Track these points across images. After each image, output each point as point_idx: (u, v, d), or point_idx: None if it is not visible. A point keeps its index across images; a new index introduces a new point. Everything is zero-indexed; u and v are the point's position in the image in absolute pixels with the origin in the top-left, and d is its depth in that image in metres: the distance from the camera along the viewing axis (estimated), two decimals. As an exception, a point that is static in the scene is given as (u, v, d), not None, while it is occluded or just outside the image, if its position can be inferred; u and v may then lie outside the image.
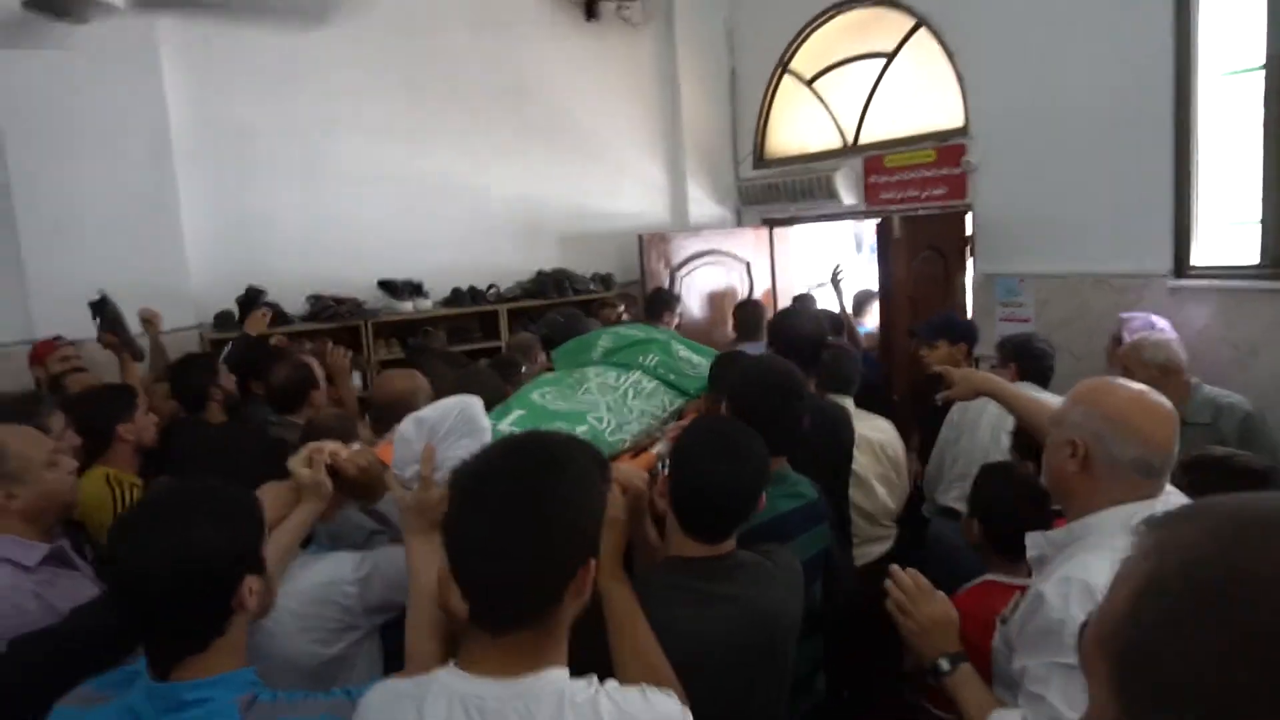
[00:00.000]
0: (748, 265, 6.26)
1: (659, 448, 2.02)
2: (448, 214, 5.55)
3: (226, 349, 3.98)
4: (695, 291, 6.02)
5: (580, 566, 1.11)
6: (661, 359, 2.46)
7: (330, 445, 1.67)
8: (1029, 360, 3.45)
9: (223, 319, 4.70)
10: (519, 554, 1.08)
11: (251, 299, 4.75)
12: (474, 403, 1.61)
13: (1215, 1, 3.77)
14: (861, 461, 2.92)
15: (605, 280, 5.89)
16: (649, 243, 5.87)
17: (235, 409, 3.35)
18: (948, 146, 4.93)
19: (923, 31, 5.04)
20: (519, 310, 5.59)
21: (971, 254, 4.97)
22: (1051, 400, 2.21)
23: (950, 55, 4.88)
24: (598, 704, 1.10)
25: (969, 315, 4.99)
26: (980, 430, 3.30)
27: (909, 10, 5.05)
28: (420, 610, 1.41)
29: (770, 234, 6.32)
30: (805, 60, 5.91)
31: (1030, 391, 2.66)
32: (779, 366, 2.14)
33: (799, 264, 6.62)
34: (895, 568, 1.68)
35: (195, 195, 4.71)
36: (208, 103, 4.77)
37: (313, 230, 5.14)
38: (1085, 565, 1.38)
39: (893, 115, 5.36)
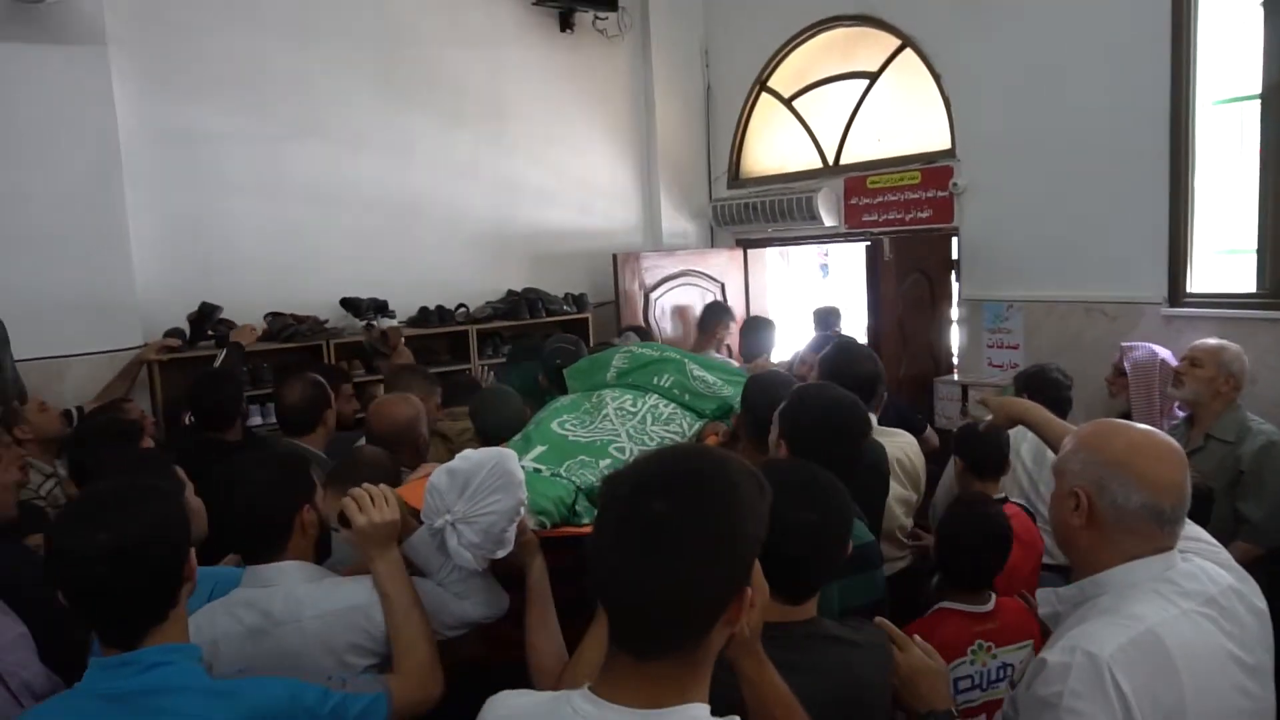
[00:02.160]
0: (722, 287, 6.11)
1: None
2: (414, 230, 5.28)
3: (218, 359, 3.78)
4: (668, 313, 5.85)
5: (735, 594, 1.02)
6: (676, 379, 2.45)
7: (367, 492, 1.64)
8: (1042, 390, 3.33)
9: (172, 336, 4.34)
10: (673, 578, 0.98)
11: (205, 316, 4.41)
12: (509, 457, 1.61)
13: (1213, 28, 3.75)
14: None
15: (578, 300, 5.67)
16: (623, 262, 5.69)
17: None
18: (935, 168, 4.86)
19: (908, 52, 4.97)
20: (489, 331, 5.34)
21: (957, 278, 4.90)
22: None
23: (936, 77, 4.81)
24: None
25: (955, 341, 4.92)
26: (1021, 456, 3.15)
27: (894, 30, 4.98)
28: (410, 620, 1.54)
29: (745, 255, 6.20)
30: (784, 78, 5.81)
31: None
32: (847, 405, 2.00)
33: (774, 286, 6.52)
34: (878, 620, 1.55)
35: (144, 204, 4.35)
36: (160, 104, 4.44)
37: (271, 244, 4.81)
38: (1092, 634, 1.29)
39: (876, 136, 5.28)
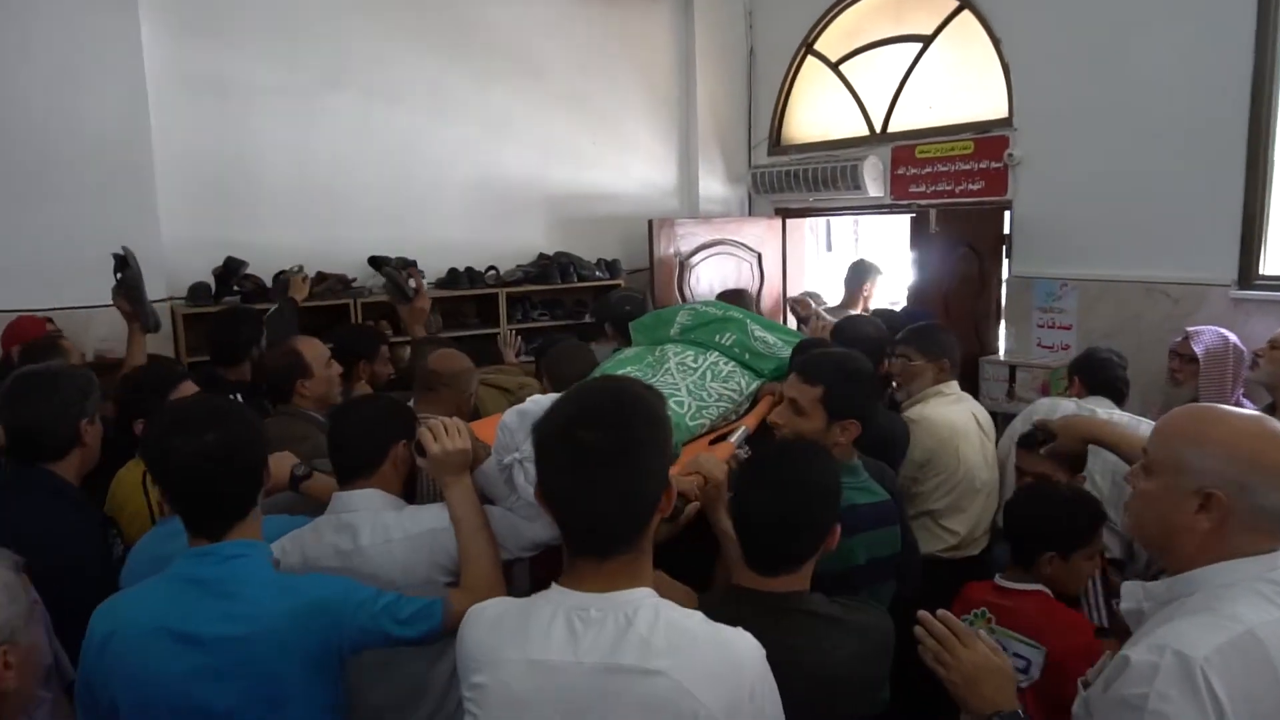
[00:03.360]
0: (759, 257, 5.93)
1: (736, 437, 2.10)
2: (445, 189, 5.14)
3: (269, 312, 3.73)
4: (704, 283, 5.67)
5: (662, 493, 1.25)
6: (738, 338, 2.53)
7: (441, 423, 1.75)
8: (1092, 371, 3.16)
9: (198, 292, 4.26)
10: (611, 493, 1.20)
11: (231, 271, 4.33)
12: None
13: (1304, -8, 3.50)
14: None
15: (611, 266, 5.51)
16: (658, 228, 5.52)
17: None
18: (989, 138, 4.62)
19: (965, 14, 4.72)
20: (519, 295, 5.21)
21: (1007, 254, 4.68)
22: None
23: (996, 41, 4.56)
24: (681, 616, 1.22)
25: (1003, 320, 4.71)
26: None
27: (951, -10, 4.73)
28: (477, 540, 1.65)
29: (784, 225, 6.00)
30: (831, 41, 5.57)
31: (1139, 426, 2.36)
32: (866, 363, 2.13)
33: (812, 257, 6.32)
34: (924, 614, 1.43)
35: (171, 153, 4.25)
36: (190, 49, 4.31)
37: (299, 200, 4.70)
38: (1183, 634, 1.18)
39: (927, 103, 5.04)
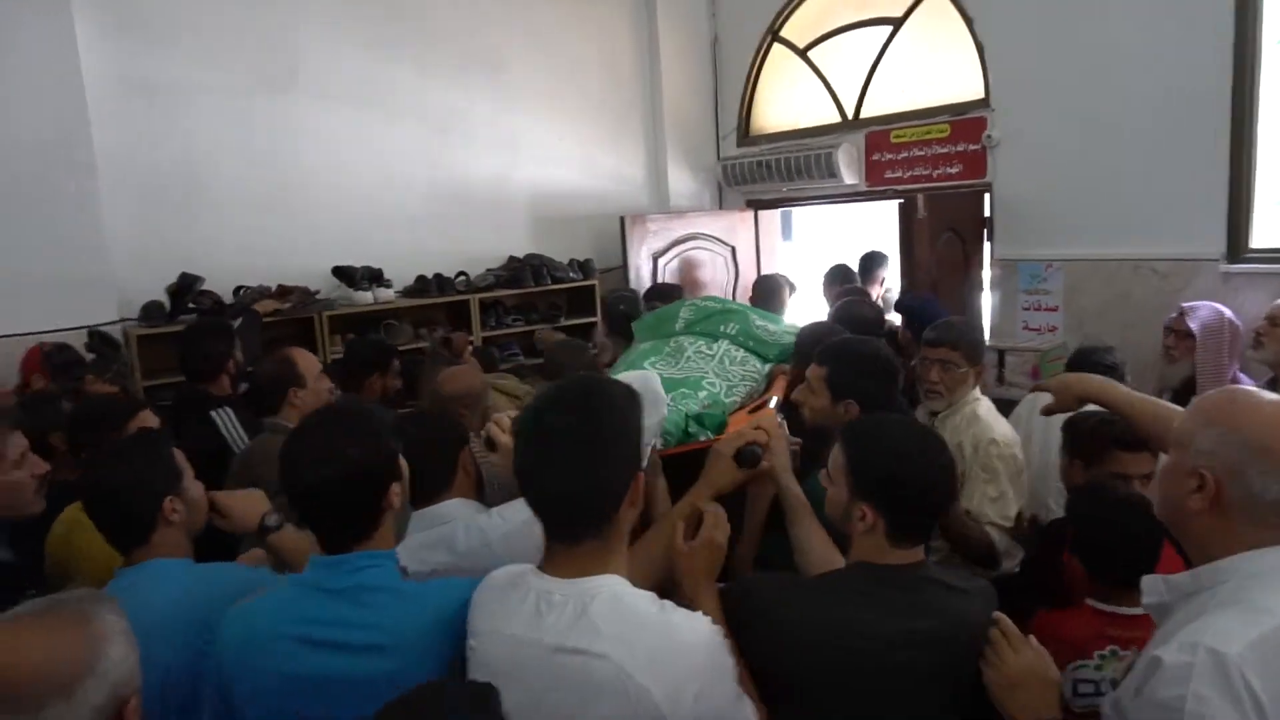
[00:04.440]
0: (733, 250, 5.82)
1: (773, 404, 2.17)
2: (409, 193, 4.94)
3: (236, 324, 3.62)
4: (677, 279, 5.53)
5: (629, 483, 1.30)
6: (742, 327, 2.66)
7: (506, 416, 1.83)
8: (1080, 365, 3.03)
9: (152, 311, 4.00)
10: (575, 479, 1.26)
11: (186, 287, 4.07)
12: (653, 377, 1.78)
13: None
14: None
15: (584, 266, 5.35)
16: (630, 225, 5.37)
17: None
18: (965, 120, 4.56)
19: (936, -5, 4.65)
20: (491, 301, 5.02)
21: (989, 237, 4.61)
22: (1175, 409, 1.79)
23: (968, 20, 4.50)
24: (636, 603, 1.26)
25: (987, 304, 4.65)
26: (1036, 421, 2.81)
27: (921, -29, 4.66)
28: None
29: (756, 217, 5.89)
30: (798, 27, 5.47)
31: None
32: (874, 347, 2.19)
33: (784, 249, 6.22)
34: (997, 615, 1.44)
35: (116, 165, 3.98)
36: (131, 52, 4.05)
37: (255, 210, 4.45)
38: (1214, 628, 1.13)
39: (900, 87, 4.96)
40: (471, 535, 1.70)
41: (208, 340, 3.13)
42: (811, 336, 2.52)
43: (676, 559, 1.47)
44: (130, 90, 4.05)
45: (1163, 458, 1.39)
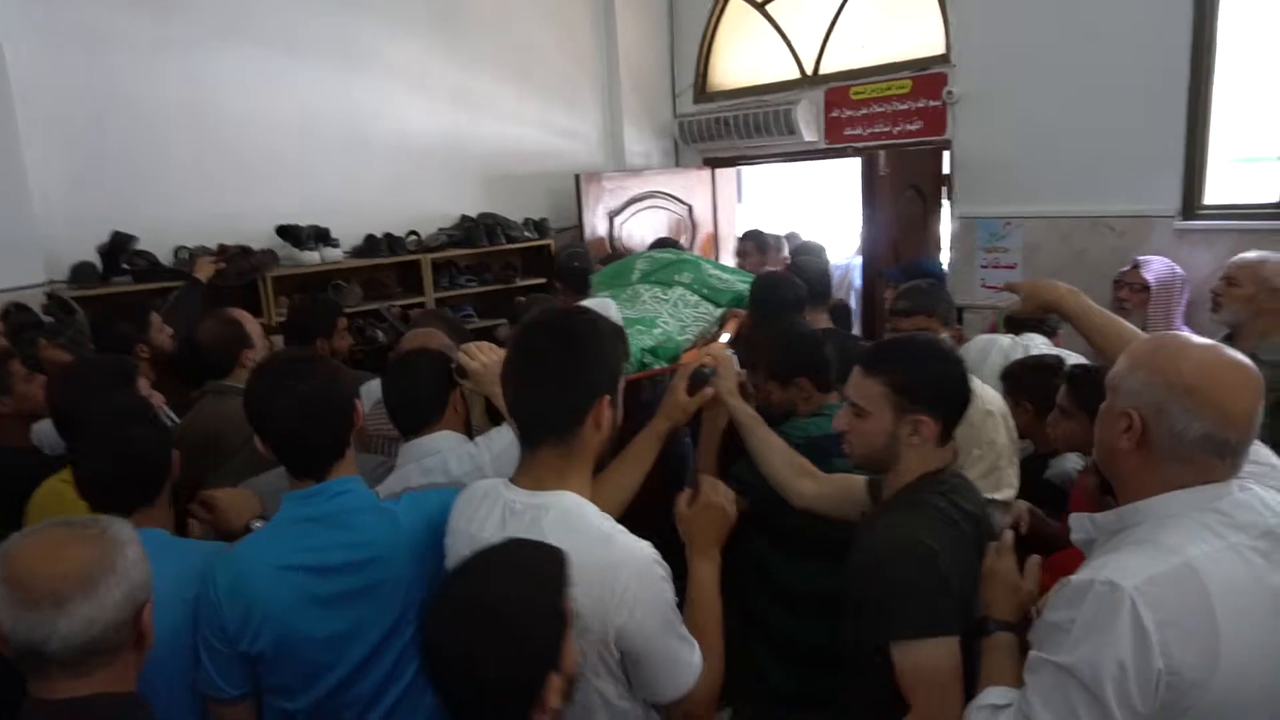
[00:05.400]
0: (690, 209, 5.74)
1: (724, 338, 2.40)
2: (357, 149, 4.72)
3: (171, 298, 3.50)
4: (636, 237, 5.44)
5: (594, 401, 1.38)
6: (695, 275, 2.81)
7: (473, 344, 1.94)
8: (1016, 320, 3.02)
9: (83, 273, 3.78)
10: (544, 385, 1.38)
11: (118, 247, 3.86)
12: (610, 303, 2.01)
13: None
14: None
15: (539, 226, 5.22)
16: (586, 183, 5.24)
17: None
18: (926, 76, 4.51)
19: (896, -52, 4.58)
20: (444, 261, 4.87)
21: (948, 194, 4.60)
22: (1132, 328, 1.86)
23: (929, -26, 4.44)
24: (585, 519, 1.35)
25: (945, 261, 4.66)
26: (985, 373, 2.82)
27: (881, -77, 4.57)
28: None
29: (713, 175, 5.80)
30: (756, -19, 5.35)
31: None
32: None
33: (743, 207, 6.16)
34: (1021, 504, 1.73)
35: (42, 119, 3.72)
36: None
37: (192, 165, 4.21)
38: (1119, 564, 1.19)
39: (860, 43, 4.89)
40: (463, 461, 1.80)
41: (117, 323, 2.92)
42: (767, 285, 2.72)
43: (679, 523, 1.54)
44: (50, 39, 3.76)
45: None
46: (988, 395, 2.24)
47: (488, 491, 1.44)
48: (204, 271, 3.71)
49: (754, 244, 4.66)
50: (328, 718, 1.53)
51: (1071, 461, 2.42)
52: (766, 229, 4.91)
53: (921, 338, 1.69)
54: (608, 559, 1.28)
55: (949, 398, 1.57)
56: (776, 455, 1.91)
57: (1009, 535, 1.53)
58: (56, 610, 1.09)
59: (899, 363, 1.57)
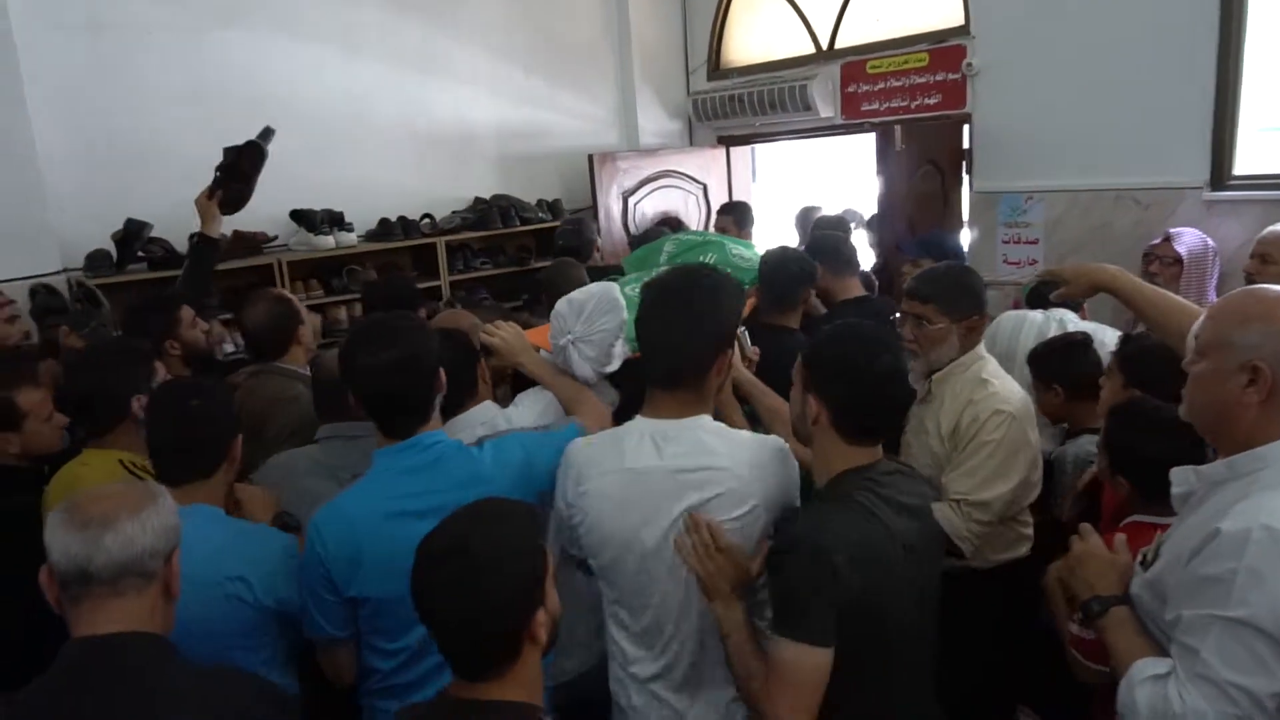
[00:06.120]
0: (705, 188, 5.68)
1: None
2: (369, 132, 4.69)
3: (184, 269, 3.18)
4: (649, 218, 5.39)
5: (720, 353, 1.60)
6: (720, 256, 2.90)
7: (494, 322, 2.11)
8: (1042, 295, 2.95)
9: (97, 260, 3.78)
10: (687, 330, 1.57)
11: (133, 234, 3.85)
12: (611, 287, 2.07)
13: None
14: None
15: (553, 207, 5.18)
16: (600, 163, 5.19)
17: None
18: (945, 48, 4.43)
19: (913, -83, 4.48)
20: (459, 244, 4.84)
21: (968, 169, 4.53)
22: (1182, 302, 1.86)
23: (948, -57, 4.34)
24: (734, 430, 1.64)
25: (966, 236, 4.58)
26: (1020, 355, 2.76)
27: (898, -108, 4.47)
28: (568, 388, 2.01)
29: (728, 153, 5.74)
30: (770, -46, 5.26)
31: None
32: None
33: (758, 186, 6.09)
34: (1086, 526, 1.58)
35: (51, 108, 3.72)
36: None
37: (204, 151, 4.14)
38: (1268, 507, 1.18)
39: (875, 16, 4.80)
40: (514, 422, 1.94)
41: (148, 318, 2.67)
42: (774, 262, 2.82)
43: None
44: (59, 26, 3.75)
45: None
46: (1004, 391, 2.10)
47: (618, 435, 1.62)
48: (212, 223, 3.23)
49: (732, 218, 4.58)
50: (425, 658, 1.62)
51: (1085, 442, 2.39)
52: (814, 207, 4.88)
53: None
54: (766, 456, 1.58)
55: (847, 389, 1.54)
56: (780, 411, 1.97)
57: (1085, 524, 1.56)
58: (104, 529, 1.24)
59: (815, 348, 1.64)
